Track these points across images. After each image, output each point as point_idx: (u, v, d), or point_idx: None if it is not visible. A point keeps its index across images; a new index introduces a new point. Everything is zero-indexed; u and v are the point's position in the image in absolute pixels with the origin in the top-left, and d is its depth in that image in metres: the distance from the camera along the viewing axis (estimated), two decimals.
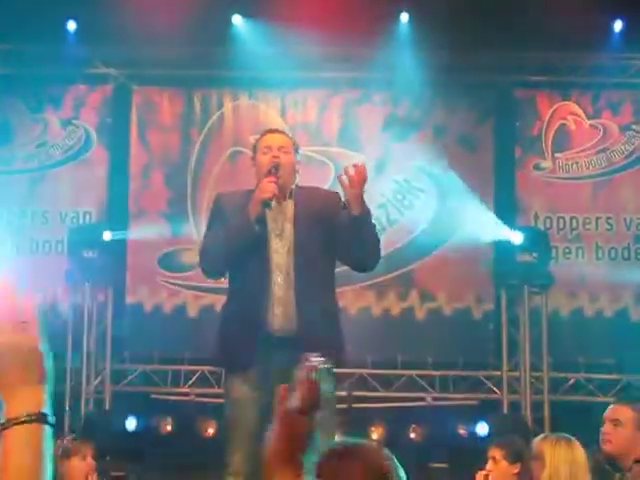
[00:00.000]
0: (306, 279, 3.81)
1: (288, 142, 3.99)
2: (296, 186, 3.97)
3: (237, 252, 3.78)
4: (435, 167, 9.08)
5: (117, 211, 8.95)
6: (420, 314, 8.99)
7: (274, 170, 3.79)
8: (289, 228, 3.87)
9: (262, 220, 3.76)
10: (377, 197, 9.06)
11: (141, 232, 8.91)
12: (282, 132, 4.18)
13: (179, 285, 9.01)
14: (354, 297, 8.88)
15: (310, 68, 8.96)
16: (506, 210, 8.76)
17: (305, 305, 3.78)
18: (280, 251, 3.83)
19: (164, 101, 9.28)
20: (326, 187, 8.59)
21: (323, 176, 8.87)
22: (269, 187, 3.72)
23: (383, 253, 4.08)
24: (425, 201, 9.12)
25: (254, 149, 4.02)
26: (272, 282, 3.78)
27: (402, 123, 9.15)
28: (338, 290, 4.14)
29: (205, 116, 9.23)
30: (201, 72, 9.09)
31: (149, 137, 9.26)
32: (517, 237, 8.34)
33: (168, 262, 9.04)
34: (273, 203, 3.77)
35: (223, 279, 4.16)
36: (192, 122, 9.22)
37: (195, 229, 8.97)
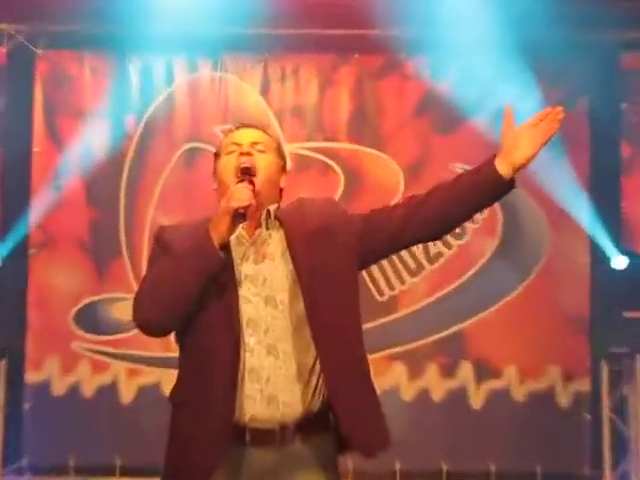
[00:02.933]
0: (322, 342, 2.84)
1: (267, 139, 3.06)
2: (278, 207, 2.99)
3: (190, 293, 2.79)
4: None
5: (11, 239, 7.05)
6: (476, 399, 6.97)
7: (247, 170, 2.88)
8: (268, 266, 2.92)
9: (228, 246, 2.83)
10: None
11: (46, 269, 7.08)
12: (260, 128, 3.17)
13: (107, 354, 7.09)
14: (373, 371, 6.73)
15: (306, 22, 6.85)
16: (604, 230, 7.11)
17: (329, 380, 2.80)
18: (253, 300, 2.85)
19: (83, 72, 7.11)
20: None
21: (325, 185, 6.98)
22: (243, 193, 2.82)
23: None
24: (485, 222, 7.01)
25: (217, 150, 3.04)
26: (241, 346, 2.81)
27: (446, 106, 6.95)
28: None
29: (147, 96, 7.13)
30: (138, 28, 6.80)
31: (60, 126, 7.09)
32: (621, 262, 7.08)
33: (89, 319, 7.11)
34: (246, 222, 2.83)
35: (173, 341, 3.01)
36: (126, 105, 7.09)
37: (130, 266, 7.04)
